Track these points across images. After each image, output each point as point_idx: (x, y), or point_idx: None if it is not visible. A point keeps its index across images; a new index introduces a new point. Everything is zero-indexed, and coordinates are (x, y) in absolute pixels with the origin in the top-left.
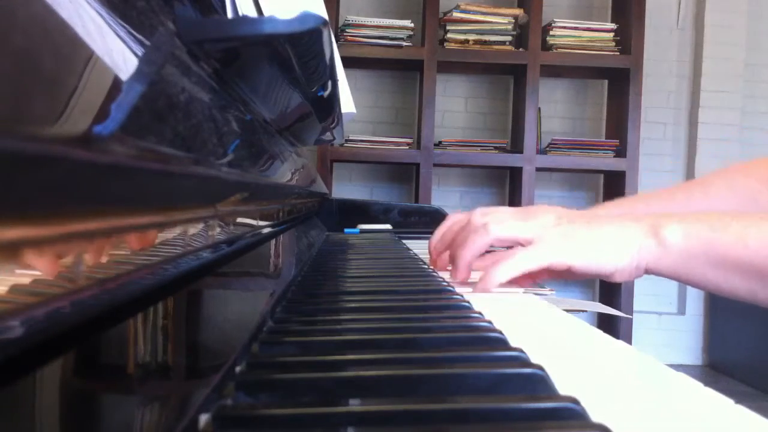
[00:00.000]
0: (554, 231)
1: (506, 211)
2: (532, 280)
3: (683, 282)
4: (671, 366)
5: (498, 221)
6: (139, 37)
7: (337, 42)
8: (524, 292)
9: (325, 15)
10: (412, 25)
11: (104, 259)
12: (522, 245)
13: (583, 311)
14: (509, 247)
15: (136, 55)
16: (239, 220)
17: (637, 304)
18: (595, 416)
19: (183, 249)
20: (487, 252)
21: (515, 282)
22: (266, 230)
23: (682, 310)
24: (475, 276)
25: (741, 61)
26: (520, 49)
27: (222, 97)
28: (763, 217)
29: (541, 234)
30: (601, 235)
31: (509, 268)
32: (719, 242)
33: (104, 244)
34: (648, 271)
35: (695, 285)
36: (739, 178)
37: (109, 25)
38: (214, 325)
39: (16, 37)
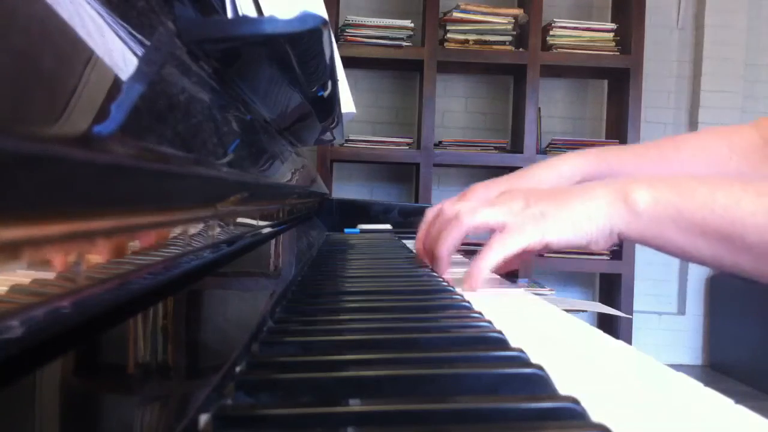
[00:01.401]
0: (526, 213)
1: (476, 197)
2: (511, 264)
3: (652, 247)
4: (671, 366)
5: (469, 211)
6: (139, 37)
7: (337, 42)
8: (524, 292)
9: (325, 15)
10: (412, 25)
11: (104, 259)
12: (495, 230)
13: (583, 311)
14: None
15: (136, 55)
16: (239, 220)
17: (637, 304)
18: (595, 416)
19: (183, 249)
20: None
21: (499, 270)
22: (266, 230)
23: (682, 310)
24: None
25: (741, 61)
26: (520, 49)
27: (222, 97)
28: (731, 181)
29: (513, 219)
30: (571, 209)
31: (490, 258)
32: (686, 207)
33: (104, 243)
34: (620, 237)
35: (663, 250)
36: (713, 142)
37: (109, 25)
38: (214, 325)
39: (16, 37)
